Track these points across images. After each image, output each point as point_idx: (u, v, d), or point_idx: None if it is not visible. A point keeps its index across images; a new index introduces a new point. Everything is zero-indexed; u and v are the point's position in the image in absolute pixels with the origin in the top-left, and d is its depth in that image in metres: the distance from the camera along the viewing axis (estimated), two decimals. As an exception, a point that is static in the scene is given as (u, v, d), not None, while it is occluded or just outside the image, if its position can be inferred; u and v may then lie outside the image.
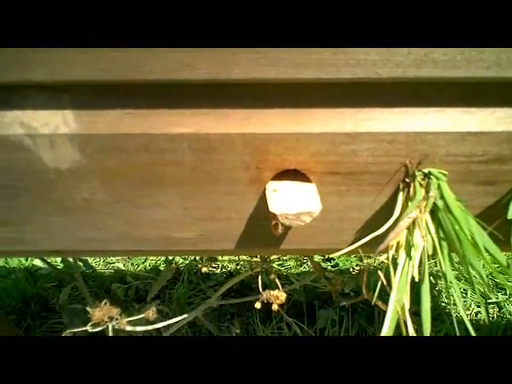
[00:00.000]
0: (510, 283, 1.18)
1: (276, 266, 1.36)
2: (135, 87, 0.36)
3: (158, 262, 1.38)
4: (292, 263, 1.37)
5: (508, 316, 1.18)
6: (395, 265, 0.37)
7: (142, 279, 1.31)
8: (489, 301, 1.23)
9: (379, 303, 0.36)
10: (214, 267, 1.36)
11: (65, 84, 0.35)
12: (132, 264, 1.38)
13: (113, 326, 0.49)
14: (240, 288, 1.23)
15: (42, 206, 0.41)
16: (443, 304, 1.16)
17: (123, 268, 1.36)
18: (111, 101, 0.36)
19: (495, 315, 1.19)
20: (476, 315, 1.20)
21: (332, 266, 1.39)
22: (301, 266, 1.36)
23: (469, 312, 1.20)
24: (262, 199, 0.40)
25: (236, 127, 0.37)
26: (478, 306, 1.22)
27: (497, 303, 1.21)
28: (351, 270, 1.35)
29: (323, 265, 1.36)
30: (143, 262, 1.39)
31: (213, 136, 0.37)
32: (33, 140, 0.36)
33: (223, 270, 1.36)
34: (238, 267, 1.36)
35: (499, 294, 1.25)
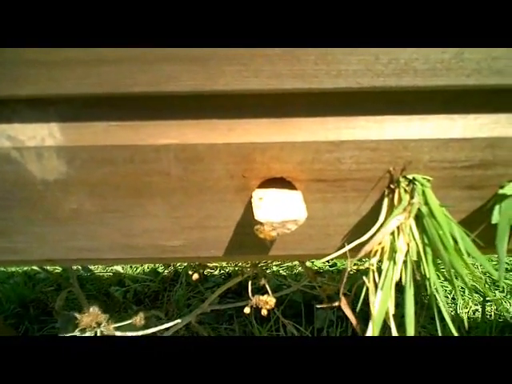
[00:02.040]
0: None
1: (275, 267, 1.36)
2: (120, 99, 0.36)
3: (157, 265, 1.38)
4: (290, 263, 1.37)
5: (505, 314, 1.18)
6: (380, 270, 0.38)
7: (140, 282, 1.31)
8: (486, 299, 1.23)
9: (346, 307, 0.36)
10: (213, 268, 1.36)
11: (51, 98, 0.35)
12: (130, 267, 1.39)
13: (101, 332, 0.49)
14: (239, 289, 1.24)
15: (33, 217, 0.41)
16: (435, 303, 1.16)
17: (121, 271, 1.37)
18: (97, 113, 0.37)
19: (492, 313, 1.19)
20: (474, 313, 1.20)
21: (330, 266, 1.39)
22: (295, 268, 1.37)
23: (466, 310, 1.21)
24: (250, 207, 0.41)
25: (221, 137, 0.37)
26: (476, 305, 1.22)
27: (494, 301, 1.21)
28: (349, 269, 1.35)
29: (321, 265, 1.36)
30: (141, 265, 1.39)
31: (198, 146, 0.37)
32: (20, 153, 0.37)
33: (221, 271, 1.37)
34: (237, 269, 1.36)
35: (496, 292, 1.25)
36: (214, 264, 1.35)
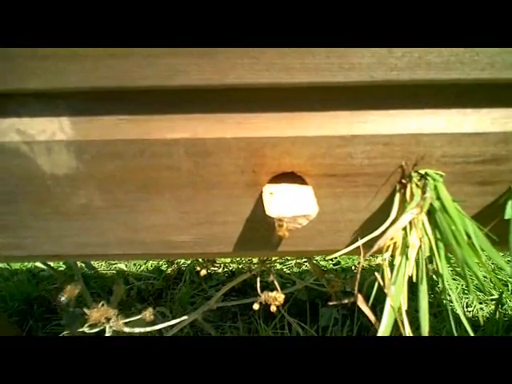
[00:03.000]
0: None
1: (278, 266, 1.36)
2: (130, 93, 0.36)
3: (160, 263, 1.38)
4: (294, 261, 1.37)
5: (510, 312, 1.18)
6: (392, 266, 0.37)
7: (144, 280, 1.31)
8: (491, 297, 1.23)
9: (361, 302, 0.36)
10: (216, 266, 1.36)
11: (60, 91, 0.35)
12: (134, 265, 1.39)
13: (110, 327, 0.49)
14: (242, 287, 1.23)
15: (41, 212, 0.41)
16: (445, 301, 1.16)
17: (125, 269, 1.37)
18: (106, 107, 0.36)
19: (497, 312, 1.18)
20: (478, 312, 1.20)
21: (334, 265, 1.39)
22: (303, 264, 1.37)
23: (471, 309, 1.20)
24: (259, 202, 0.40)
25: (231, 132, 0.37)
26: (481, 303, 1.22)
27: (499, 300, 1.21)
28: (353, 268, 1.35)
29: (325, 263, 1.36)
30: (145, 263, 1.39)
31: (208, 141, 0.37)
32: (29, 147, 0.37)
33: (225, 269, 1.37)
34: (240, 266, 1.36)
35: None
36: (219, 261, 1.35)
